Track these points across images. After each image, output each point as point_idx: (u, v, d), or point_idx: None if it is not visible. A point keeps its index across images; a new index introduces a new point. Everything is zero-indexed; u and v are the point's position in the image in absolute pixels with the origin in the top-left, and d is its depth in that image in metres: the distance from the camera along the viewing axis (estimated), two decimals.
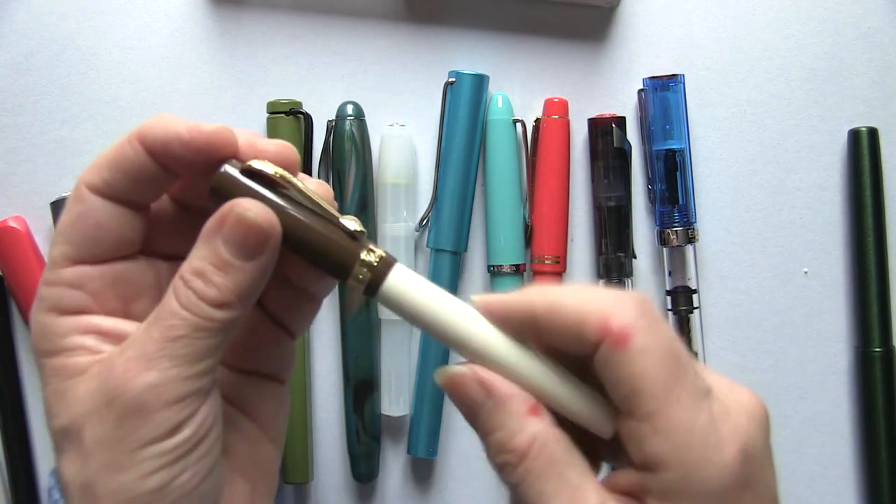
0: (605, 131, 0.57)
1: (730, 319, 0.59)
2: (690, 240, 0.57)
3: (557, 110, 0.58)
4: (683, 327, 0.57)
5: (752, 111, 0.59)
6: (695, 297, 0.57)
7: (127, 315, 0.34)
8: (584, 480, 0.31)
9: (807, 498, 0.59)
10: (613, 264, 0.57)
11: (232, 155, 0.33)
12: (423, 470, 0.59)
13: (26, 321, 0.58)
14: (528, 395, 0.32)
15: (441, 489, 0.59)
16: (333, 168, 0.57)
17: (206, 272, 0.31)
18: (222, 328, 0.32)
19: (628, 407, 0.31)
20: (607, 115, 0.57)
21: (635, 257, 0.58)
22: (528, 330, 0.33)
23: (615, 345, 0.31)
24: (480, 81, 0.57)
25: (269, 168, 0.32)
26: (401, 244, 0.57)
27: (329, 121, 0.58)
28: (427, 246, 0.58)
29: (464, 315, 0.33)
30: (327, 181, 0.58)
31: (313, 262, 0.33)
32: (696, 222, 0.58)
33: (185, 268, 0.32)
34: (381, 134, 0.58)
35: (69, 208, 0.33)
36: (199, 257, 0.32)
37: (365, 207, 0.57)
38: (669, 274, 0.58)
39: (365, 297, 0.33)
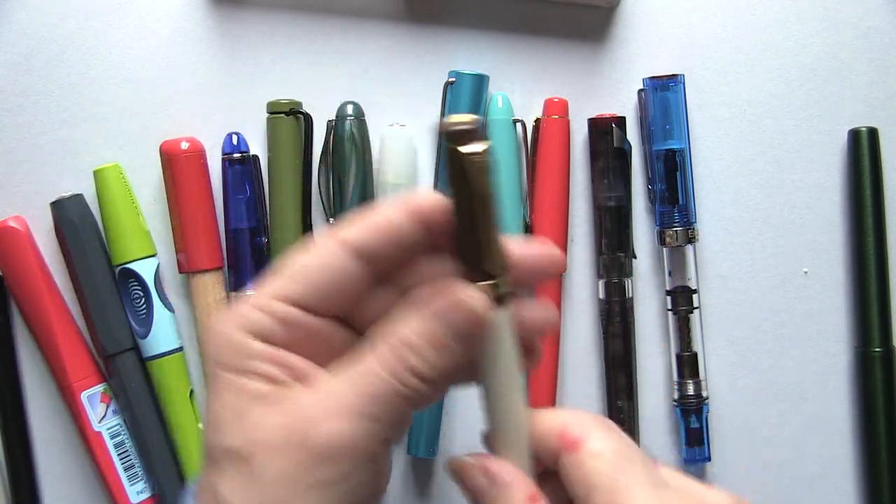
0: (605, 131, 0.57)
1: (730, 319, 0.59)
2: (690, 240, 0.57)
3: (557, 110, 0.58)
4: (683, 327, 0.57)
5: (752, 111, 0.59)
6: (695, 297, 0.57)
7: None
8: None
9: (807, 498, 0.59)
10: (613, 264, 0.57)
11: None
12: (423, 470, 0.59)
13: (26, 321, 0.58)
14: (529, 484, 0.35)
15: (441, 489, 0.59)
16: (333, 168, 0.57)
17: (419, 347, 0.33)
18: (419, 400, 0.34)
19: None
20: (607, 115, 0.57)
21: (635, 257, 0.58)
22: None
23: (570, 448, 0.34)
24: (480, 81, 0.57)
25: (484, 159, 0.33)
26: None
27: (329, 121, 0.58)
28: None
29: (516, 392, 0.36)
30: (327, 181, 0.58)
31: (462, 248, 0.34)
32: (696, 222, 0.58)
33: (397, 335, 0.33)
34: (381, 134, 0.58)
35: (317, 253, 0.34)
36: (414, 330, 0.33)
37: (365, 208, 0.57)
38: (669, 274, 0.58)
39: None
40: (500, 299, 0.34)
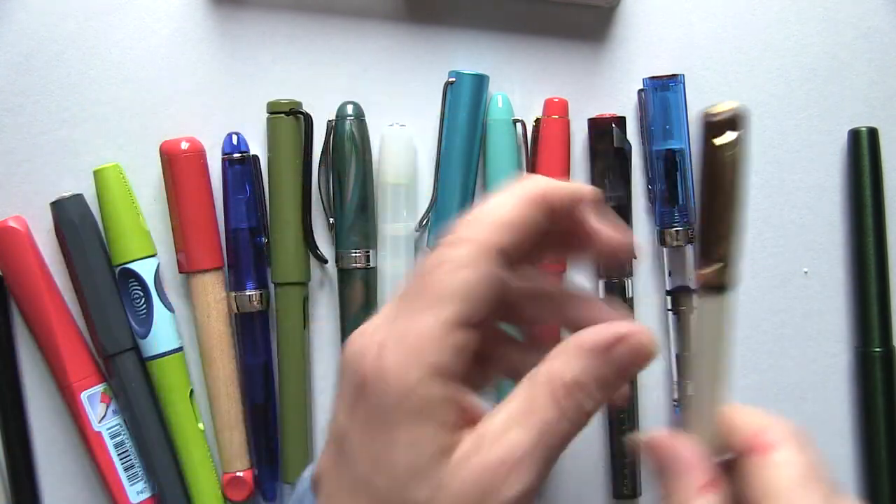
0: (605, 131, 0.57)
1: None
2: (690, 240, 0.57)
3: (557, 110, 0.58)
4: (683, 327, 0.57)
5: (752, 111, 0.58)
6: (694, 297, 0.57)
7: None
8: None
9: None
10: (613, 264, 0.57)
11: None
12: None
13: (26, 321, 0.58)
14: (709, 470, 0.35)
15: None
16: (333, 168, 0.57)
17: (590, 388, 0.33)
18: (578, 435, 0.33)
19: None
20: (607, 115, 0.57)
21: (635, 257, 0.58)
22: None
23: (758, 450, 0.34)
24: (480, 81, 0.57)
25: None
26: (401, 244, 0.57)
27: (329, 121, 0.58)
28: (427, 246, 0.58)
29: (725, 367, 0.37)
30: (327, 181, 0.58)
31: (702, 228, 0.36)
32: (696, 222, 0.58)
33: (568, 377, 0.33)
34: (381, 134, 0.58)
35: (464, 265, 0.33)
36: (583, 371, 0.33)
37: (365, 207, 0.57)
38: (669, 274, 0.58)
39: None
40: (725, 285, 0.36)
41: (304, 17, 0.58)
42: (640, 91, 0.58)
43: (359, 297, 0.57)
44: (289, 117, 0.57)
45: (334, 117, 0.57)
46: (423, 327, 0.32)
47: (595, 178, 0.58)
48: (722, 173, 0.34)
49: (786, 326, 0.59)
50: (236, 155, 0.57)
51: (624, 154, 0.57)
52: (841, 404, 0.59)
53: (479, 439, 0.32)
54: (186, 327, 0.59)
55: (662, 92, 0.57)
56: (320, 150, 0.58)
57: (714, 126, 0.34)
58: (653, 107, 0.57)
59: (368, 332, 0.33)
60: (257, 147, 0.58)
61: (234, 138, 0.57)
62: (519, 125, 0.58)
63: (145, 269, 0.57)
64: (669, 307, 0.58)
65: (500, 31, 0.58)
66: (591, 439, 0.59)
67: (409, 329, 0.32)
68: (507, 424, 0.33)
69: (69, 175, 0.58)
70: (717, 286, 0.36)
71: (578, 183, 0.35)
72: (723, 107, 0.34)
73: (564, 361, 0.33)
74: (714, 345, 0.37)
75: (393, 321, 0.33)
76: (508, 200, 0.34)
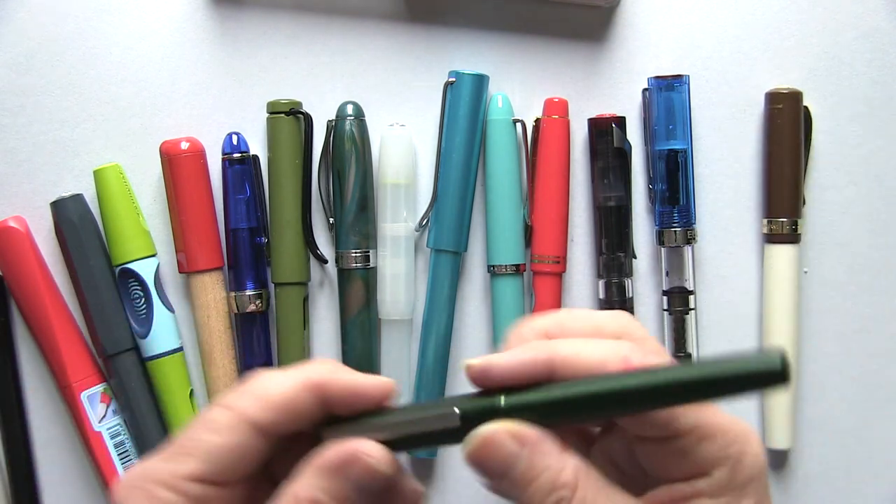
0: (605, 131, 0.57)
1: (729, 320, 0.59)
2: (689, 240, 0.57)
3: (557, 110, 0.58)
4: (678, 328, 0.57)
5: (752, 111, 0.58)
6: (691, 298, 0.57)
7: None
8: (629, 500, 0.34)
9: (806, 499, 0.59)
10: (613, 264, 0.57)
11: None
12: (423, 470, 0.59)
13: (26, 321, 0.58)
14: (553, 435, 0.34)
15: (441, 489, 0.59)
16: (333, 168, 0.57)
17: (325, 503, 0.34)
18: None
19: (669, 429, 0.33)
20: (607, 115, 0.57)
21: (635, 257, 0.58)
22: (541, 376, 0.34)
23: None
24: (480, 81, 0.57)
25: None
26: (401, 244, 0.57)
27: (329, 121, 0.58)
28: (427, 246, 0.58)
29: None
30: (327, 181, 0.58)
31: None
32: (695, 223, 0.58)
33: (303, 496, 0.34)
34: (381, 134, 0.58)
35: (216, 430, 0.34)
36: (319, 489, 0.34)
37: (365, 207, 0.57)
38: (666, 274, 0.58)
39: None
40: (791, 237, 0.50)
41: (304, 17, 0.58)
42: (644, 90, 0.58)
43: (359, 297, 0.57)
44: (289, 117, 0.57)
45: (334, 117, 0.57)
46: (159, 473, 0.34)
47: (595, 178, 0.58)
48: (781, 137, 0.49)
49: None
50: (236, 155, 0.57)
51: (624, 154, 0.57)
52: (839, 403, 0.59)
53: None
54: (186, 327, 0.59)
55: (667, 92, 0.57)
56: (320, 150, 0.58)
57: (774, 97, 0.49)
58: (657, 106, 0.57)
59: (131, 469, 0.35)
60: (257, 147, 0.58)
61: (234, 138, 0.57)
62: (519, 125, 0.58)
63: (145, 269, 0.57)
64: (665, 307, 0.58)
65: (500, 31, 0.58)
66: None
67: (148, 472, 0.34)
68: None
69: (69, 175, 0.58)
70: (784, 238, 0.47)
71: (371, 378, 0.36)
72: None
73: (303, 480, 0.34)
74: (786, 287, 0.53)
75: (145, 463, 0.35)
76: (284, 381, 0.35)
